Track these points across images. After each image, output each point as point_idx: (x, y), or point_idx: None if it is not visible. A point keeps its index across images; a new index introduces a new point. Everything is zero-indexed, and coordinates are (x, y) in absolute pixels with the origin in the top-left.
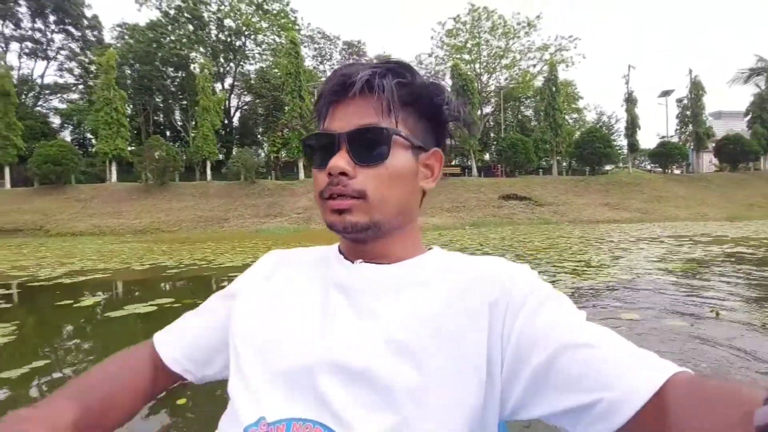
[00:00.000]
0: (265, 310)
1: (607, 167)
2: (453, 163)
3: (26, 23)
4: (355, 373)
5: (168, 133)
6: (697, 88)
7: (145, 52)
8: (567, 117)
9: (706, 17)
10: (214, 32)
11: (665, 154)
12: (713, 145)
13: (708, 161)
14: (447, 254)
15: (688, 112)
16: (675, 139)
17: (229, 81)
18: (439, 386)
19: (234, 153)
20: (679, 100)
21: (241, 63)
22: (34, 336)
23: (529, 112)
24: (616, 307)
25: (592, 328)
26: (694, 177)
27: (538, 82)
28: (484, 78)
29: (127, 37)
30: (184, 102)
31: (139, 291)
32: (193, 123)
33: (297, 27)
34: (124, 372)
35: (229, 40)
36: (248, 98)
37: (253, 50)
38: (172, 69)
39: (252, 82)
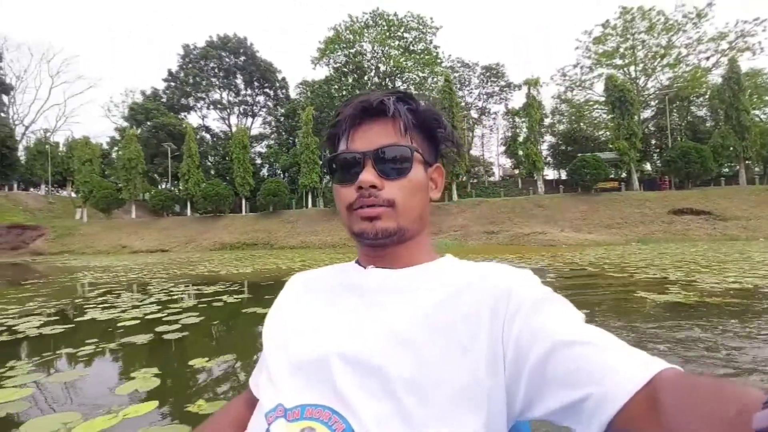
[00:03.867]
0: (288, 314)
1: None
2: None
3: (242, 92)
4: (360, 363)
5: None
6: None
7: (321, 102)
8: (758, 113)
9: None
10: (370, 77)
11: None
12: None
13: None
14: (457, 261)
15: None
16: None
17: None
18: (437, 380)
19: None
20: None
21: None
22: None
23: (701, 113)
24: None
25: (587, 328)
26: None
27: (714, 77)
28: (641, 81)
29: (307, 91)
30: None
31: None
32: None
33: (439, 60)
34: (230, 429)
35: (383, 82)
36: None
37: (400, 87)
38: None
39: None
